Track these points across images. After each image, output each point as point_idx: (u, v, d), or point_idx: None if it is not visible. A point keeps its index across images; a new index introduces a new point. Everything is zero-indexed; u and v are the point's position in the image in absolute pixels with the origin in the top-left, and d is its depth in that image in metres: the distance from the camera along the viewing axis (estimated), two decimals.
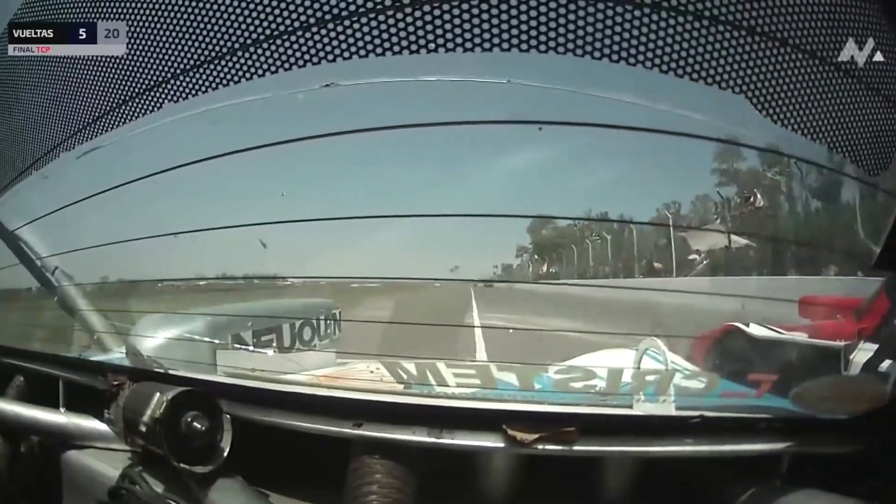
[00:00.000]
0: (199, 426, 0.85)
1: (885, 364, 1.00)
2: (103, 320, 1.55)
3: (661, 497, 0.82)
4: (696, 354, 1.33)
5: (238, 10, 0.87)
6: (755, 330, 1.29)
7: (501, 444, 0.77)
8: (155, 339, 1.30)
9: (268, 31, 0.86)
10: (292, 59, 0.86)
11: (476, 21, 0.77)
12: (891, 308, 1.05)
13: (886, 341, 1.03)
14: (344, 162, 1.21)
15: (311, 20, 0.82)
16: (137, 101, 1.03)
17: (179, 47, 0.94)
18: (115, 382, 1.05)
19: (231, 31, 0.89)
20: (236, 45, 0.89)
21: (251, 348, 1.46)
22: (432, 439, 0.79)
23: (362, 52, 0.82)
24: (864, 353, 1.10)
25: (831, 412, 0.79)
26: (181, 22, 0.92)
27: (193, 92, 0.96)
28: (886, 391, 0.76)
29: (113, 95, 1.07)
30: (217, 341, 1.32)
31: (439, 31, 0.78)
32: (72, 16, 1.06)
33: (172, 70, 0.96)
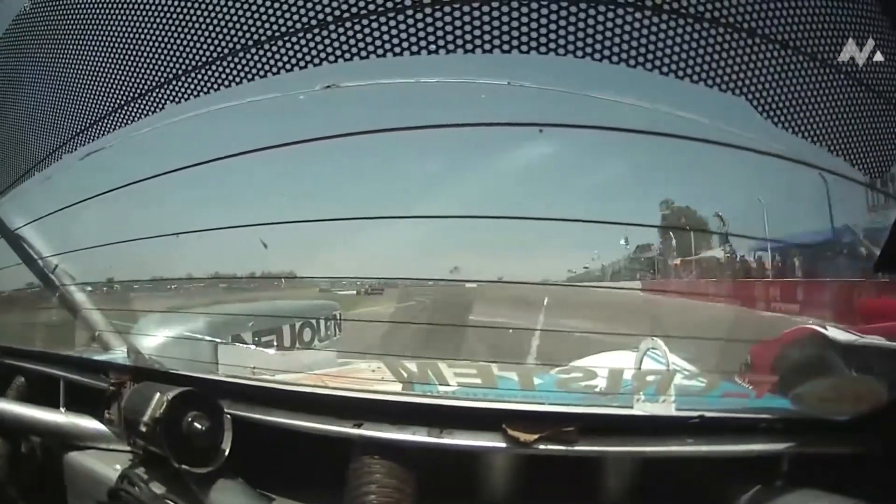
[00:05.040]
0: (199, 426, 0.85)
1: None
2: (104, 320, 1.55)
3: (661, 497, 0.82)
4: (761, 361, 1.18)
5: (240, 12, 0.88)
6: (835, 333, 1.11)
7: (501, 444, 0.77)
8: (156, 338, 1.31)
9: (269, 33, 0.86)
10: (293, 61, 0.86)
11: (477, 23, 0.77)
12: None
13: None
14: (345, 163, 1.21)
15: (313, 22, 0.83)
16: (140, 102, 1.03)
17: (181, 48, 0.94)
18: (116, 382, 1.06)
19: (233, 32, 0.89)
20: (238, 47, 0.90)
21: (252, 347, 1.46)
22: (432, 439, 0.79)
23: (363, 54, 0.82)
24: None
25: (832, 412, 0.79)
26: (183, 23, 0.92)
27: (195, 93, 0.96)
28: (886, 391, 0.76)
29: (115, 97, 1.08)
30: (218, 341, 1.32)
31: (440, 33, 0.78)
32: (74, 16, 1.07)
33: (175, 71, 0.97)
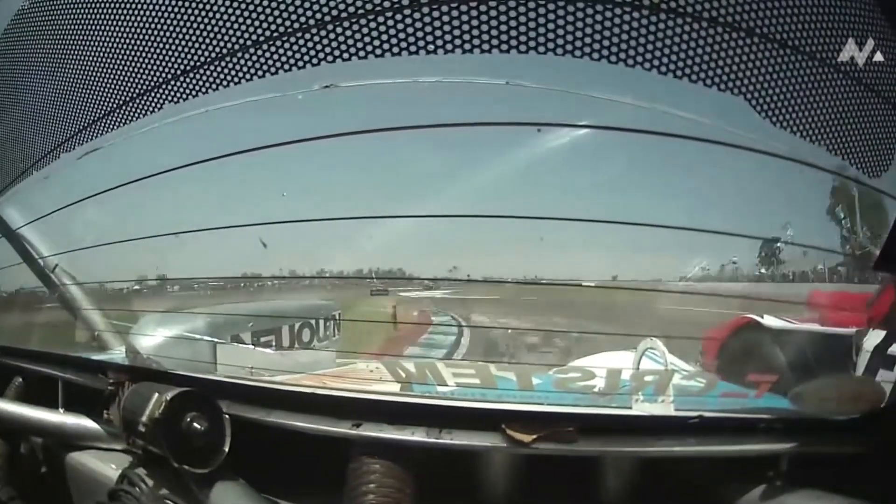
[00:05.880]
0: (198, 426, 0.85)
1: (894, 348, 1.25)
2: (103, 320, 1.55)
3: (660, 497, 0.82)
4: (710, 348, 1.38)
5: (238, 12, 0.88)
6: (770, 321, 1.38)
7: (500, 444, 0.77)
8: (155, 338, 1.30)
9: (268, 33, 0.86)
10: (292, 61, 0.86)
11: (475, 23, 0.77)
12: None
13: (894, 328, 1.24)
14: (343, 163, 1.21)
15: (311, 22, 0.83)
16: (138, 101, 1.03)
17: (180, 48, 0.94)
18: (115, 382, 1.05)
19: (231, 32, 0.89)
20: (236, 47, 0.90)
21: (251, 347, 1.46)
22: (431, 439, 0.79)
23: (362, 54, 0.82)
24: (875, 339, 1.31)
25: (831, 412, 0.79)
26: (182, 23, 0.92)
27: (194, 93, 0.96)
28: (886, 391, 0.76)
29: (114, 96, 1.08)
30: (217, 341, 1.32)
31: (438, 33, 0.78)
32: (72, 14, 1.07)
33: (173, 71, 0.97)
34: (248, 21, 0.87)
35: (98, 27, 1.05)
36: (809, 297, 1.34)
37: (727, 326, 1.45)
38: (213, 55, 0.92)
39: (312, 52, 0.84)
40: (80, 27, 1.08)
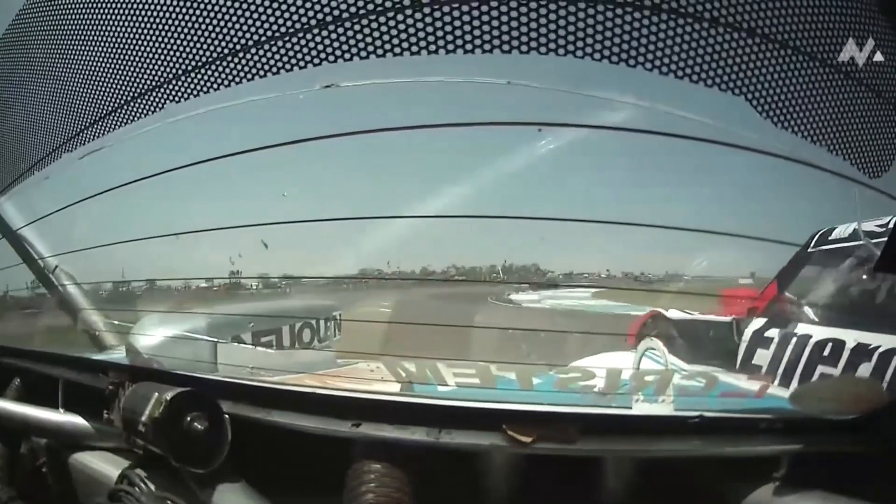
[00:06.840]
0: (198, 426, 0.85)
1: (770, 332, 1.62)
2: (104, 320, 1.55)
3: (660, 498, 0.82)
4: (630, 335, 1.68)
5: (240, 12, 0.88)
6: (672, 314, 1.77)
7: (501, 444, 0.77)
8: (155, 338, 1.30)
9: (269, 33, 0.86)
10: (293, 61, 0.86)
11: (477, 23, 0.77)
12: (778, 293, 1.65)
13: (772, 316, 1.63)
14: (344, 163, 1.21)
15: (313, 21, 0.83)
16: (140, 101, 1.03)
17: (182, 48, 0.94)
18: (115, 382, 1.05)
19: (233, 32, 0.89)
20: (238, 47, 0.90)
21: (252, 347, 1.46)
22: (431, 439, 0.79)
23: (363, 54, 0.82)
24: (756, 325, 1.69)
25: (831, 412, 0.79)
26: (184, 22, 0.92)
27: (195, 93, 0.96)
28: (886, 391, 0.76)
29: (115, 96, 1.08)
30: (218, 341, 1.32)
31: (440, 33, 0.78)
32: (73, 14, 1.07)
33: (175, 71, 0.97)
34: (250, 21, 0.87)
35: (99, 27, 1.06)
36: (720, 294, 1.66)
37: (641, 318, 1.78)
38: (215, 55, 0.92)
39: (314, 52, 0.84)
40: (82, 27, 1.08)
